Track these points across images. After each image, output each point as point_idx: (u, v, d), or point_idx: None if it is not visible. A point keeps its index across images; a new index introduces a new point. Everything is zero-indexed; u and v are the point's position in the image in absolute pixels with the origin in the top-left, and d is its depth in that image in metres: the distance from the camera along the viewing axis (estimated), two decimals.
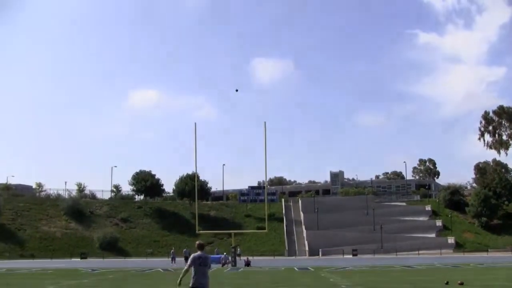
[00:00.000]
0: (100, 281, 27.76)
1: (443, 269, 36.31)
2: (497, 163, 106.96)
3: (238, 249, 59.11)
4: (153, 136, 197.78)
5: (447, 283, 22.04)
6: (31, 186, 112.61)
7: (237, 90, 69.13)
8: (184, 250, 54.11)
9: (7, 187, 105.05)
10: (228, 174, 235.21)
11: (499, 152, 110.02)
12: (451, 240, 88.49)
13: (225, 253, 53.99)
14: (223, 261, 49.80)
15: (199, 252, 11.91)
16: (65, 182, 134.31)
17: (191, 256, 11.94)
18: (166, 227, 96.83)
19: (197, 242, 12.28)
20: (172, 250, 55.99)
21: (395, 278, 27.38)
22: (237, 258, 52.87)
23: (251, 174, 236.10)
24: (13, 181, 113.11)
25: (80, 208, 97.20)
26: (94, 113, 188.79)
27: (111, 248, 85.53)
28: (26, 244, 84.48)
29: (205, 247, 12.84)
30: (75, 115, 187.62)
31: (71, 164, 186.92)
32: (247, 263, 48.79)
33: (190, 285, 11.42)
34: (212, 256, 58.15)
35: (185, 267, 11.63)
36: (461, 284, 21.47)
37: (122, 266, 48.14)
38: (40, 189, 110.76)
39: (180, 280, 11.69)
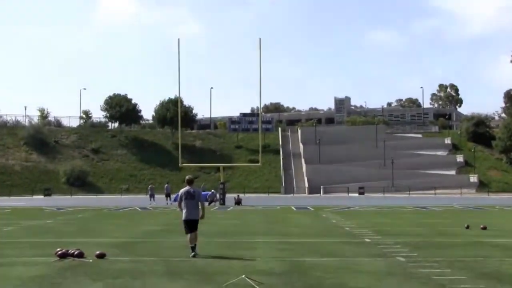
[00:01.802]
0: (67, 222, 27.89)
1: (463, 212, 36.65)
2: None
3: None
4: (129, 54, 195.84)
5: (467, 227, 22.21)
6: None
7: None
8: (166, 185, 54.42)
9: None
10: (217, 100, 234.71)
11: None
12: (473, 178, 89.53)
13: (212, 190, 54.40)
14: (209, 199, 50.23)
15: (187, 187, 14.50)
16: (25, 107, 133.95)
17: (179, 191, 14.64)
18: (144, 159, 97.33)
19: (186, 177, 15.08)
20: (150, 186, 56.32)
21: (407, 221, 27.63)
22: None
23: (244, 100, 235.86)
24: None
25: (43, 137, 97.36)
26: (57, 24, 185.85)
27: (80, 183, 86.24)
28: None
29: (184, 183, 15.19)
30: (35, 27, 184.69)
31: (32, 85, 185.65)
32: (238, 201, 49.18)
33: (183, 218, 14.35)
34: (202, 193, 58.19)
35: (177, 205, 14.84)
36: (484, 228, 21.61)
37: (92, 204, 48.47)
38: None
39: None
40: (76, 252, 13.89)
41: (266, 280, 10.60)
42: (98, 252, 14.08)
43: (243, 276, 10.44)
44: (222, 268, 12.28)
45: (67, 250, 13.91)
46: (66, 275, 11.27)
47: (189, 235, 14.23)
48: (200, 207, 14.39)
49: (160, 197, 53.74)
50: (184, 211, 14.28)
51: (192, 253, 14.02)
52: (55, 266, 12.49)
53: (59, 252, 13.77)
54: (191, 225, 14.24)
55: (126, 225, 25.67)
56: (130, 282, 10.59)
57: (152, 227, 23.86)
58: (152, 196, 52.89)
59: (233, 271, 11.77)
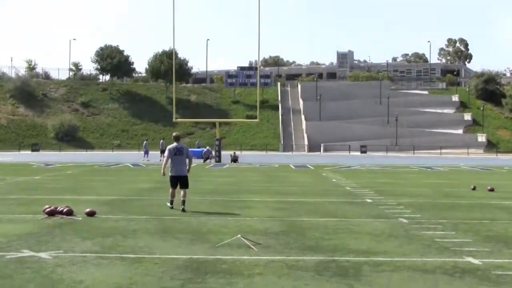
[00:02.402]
0: (55, 178, 27.96)
1: (470, 172, 36.86)
2: None
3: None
4: (121, 3, 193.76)
5: (474, 188, 22.33)
6: None
7: None
8: (161, 141, 54.51)
9: None
10: (213, 52, 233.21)
11: None
12: (481, 138, 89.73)
13: (207, 147, 54.51)
14: (204, 156, 50.34)
15: (175, 144, 15.52)
16: (11, 58, 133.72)
17: (167, 148, 15.75)
18: (137, 114, 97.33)
19: (173, 134, 16.25)
20: (145, 142, 56.40)
21: (410, 181, 27.79)
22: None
23: (241, 53, 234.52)
24: None
25: (30, 90, 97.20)
26: None
27: (70, 138, 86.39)
28: None
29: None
30: None
31: (18, 36, 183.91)
32: (234, 159, 49.35)
33: (171, 174, 15.37)
34: (193, 149, 58.95)
35: (164, 160, 15.88)
36: (491, 190, 21.72)
37: (82, 160, 48.66)
38: None
39: (163, 171, 16.06)
40: (65, 210, 13.91)
41: (262, 240, 10.65)
42: (88, 210, 14.12)
43: (239, 235, 10.45)
44: (217, 227, 12.33)
45: (56, 208, 13.91)
46: (55, 233, 11.31)
47: (171, 189, 15.41)
48: (188, 162, 15.68)
49: (154, 154, 53.85)
50: (171, 167, 15.39)
51: (171, 206, 15.36)
52: (43, 224, 12.53)
53: (47, 210, 13.78)
54: (180, 182, 15.28)
55: (117, 182, 25.78)
56: (121, 240, 10.63)
57: (144, 184, 23.95)
58: (146, 152, 53.03)
59: (228, 230, 11.83)
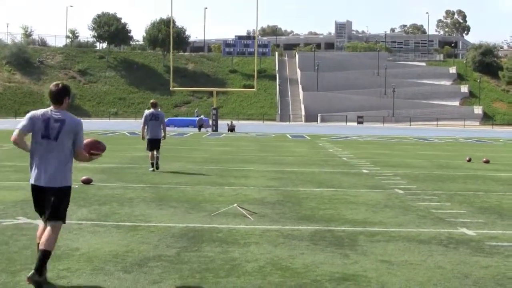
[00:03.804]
0: None
1: (466, 144, 37.10)
2: None
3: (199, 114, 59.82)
4: None
5: (469, 160, 22.49)
6: None
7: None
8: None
9: None
10: (211, 21, 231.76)
11: None
12: (478, 110, 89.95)
13: (202, 116, 54.87)
14: (198, 124, 50.91)
15: (152, 110, 16.89)
16: (7, 24, 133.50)
17: (144, 114, 17.09)
18: (134, 82, 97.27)
19: (151, 101, 17.71)
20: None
21: (406, 152, 27.97)
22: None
23: (239, 22, 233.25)
24: None
25: (26, 56, 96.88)
26: None
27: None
28: None
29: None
30: None
31: (14, 1, 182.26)
32: (231, 128, 49.47)
33: (147, 137, 16.82)
34: (192, 118, 59.70)
35: (142, 125, 17.21)
36: (487, 162, 21.89)
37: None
38: None
39: (142, 135, 17.38)
40: None
41: (258, 210, 10.69)
42: (84, 178, 14.11)
43: (235, 205, 10.46)
44: (213, 196, 12.37)
45: None
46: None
47: (150, 152, 16.81)
48: (162, 128, 17.08)
49: None
50: (148, 131, 16.89)
51: (151, 169, 16.71)
52: None
53: None
54: (153, 144, 16.74)
55: (114, 150, 25.72)
56: (117, 208, 10.65)
57: (140, 153, 23.89)
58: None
59: (224, 199, 11.87)
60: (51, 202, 6.19)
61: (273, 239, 8.36)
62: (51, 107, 6.53)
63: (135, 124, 52.87)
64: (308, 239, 8.38)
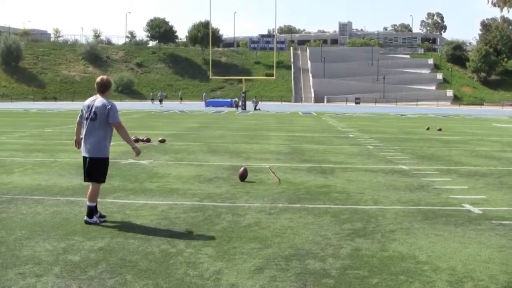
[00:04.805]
0: (126, 120, 30.75)
1: (433, 118, 38.74)
2: (505, 20, 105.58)
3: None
4: None
5: (427, 128, 24.73)
6: (47, 31, 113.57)
7: None
8: (203, 94, 57.63)
9: (25, 33, 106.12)
10: (239, 23, 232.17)
11: (501, 10, 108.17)
12: (449, 93, 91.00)
13: (235, 98, 57.24)
14: (235, 104, 53.31)
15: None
16: (82, 28, 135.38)
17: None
18: (179, 72, 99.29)
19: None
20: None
21: (385, 124, 29.96)
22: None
23: (262, 23, 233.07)
24: (29, 26, 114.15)
25: (97, 53, 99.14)
26: None
27: (128, 91, 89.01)
28: (47, 87, 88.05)
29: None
30: None
31: (86, 10, 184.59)
32: (255, 104, 51.82)
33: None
34: (226, 100, 62.00)
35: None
36: (439, 130, 24.10)
37: (139, 108, 51.37)
38: (57, 34, 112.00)
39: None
40: (145, 138, 16.79)
41: (275, 157, 13.46)
42: (160, 138, 16.98)
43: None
44: (246, 149, 15.15)
45: (138, 137, 16.77)
46: (143, 151, 14.15)
47: None
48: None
49: (197, 103, 56.14)
50: None
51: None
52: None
53: (133, 138, 16.60)
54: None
55: (172, 123, 28.40)
56: (186, 156, 13.49)
57: (192, 124, 26.67)
58: (160, 100, 56.41)
59: (253, 151, 14.65)
60: (86, 168, 6.54)
61: (284, 170, 11.17)
62: (97, 95, 6.78)
63: (181, 105, 55.22)
64: (305, 170, 11.18)
